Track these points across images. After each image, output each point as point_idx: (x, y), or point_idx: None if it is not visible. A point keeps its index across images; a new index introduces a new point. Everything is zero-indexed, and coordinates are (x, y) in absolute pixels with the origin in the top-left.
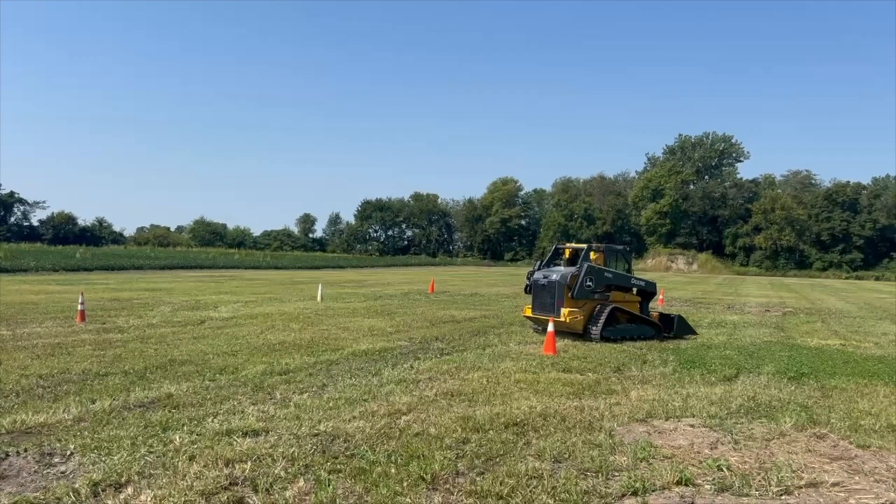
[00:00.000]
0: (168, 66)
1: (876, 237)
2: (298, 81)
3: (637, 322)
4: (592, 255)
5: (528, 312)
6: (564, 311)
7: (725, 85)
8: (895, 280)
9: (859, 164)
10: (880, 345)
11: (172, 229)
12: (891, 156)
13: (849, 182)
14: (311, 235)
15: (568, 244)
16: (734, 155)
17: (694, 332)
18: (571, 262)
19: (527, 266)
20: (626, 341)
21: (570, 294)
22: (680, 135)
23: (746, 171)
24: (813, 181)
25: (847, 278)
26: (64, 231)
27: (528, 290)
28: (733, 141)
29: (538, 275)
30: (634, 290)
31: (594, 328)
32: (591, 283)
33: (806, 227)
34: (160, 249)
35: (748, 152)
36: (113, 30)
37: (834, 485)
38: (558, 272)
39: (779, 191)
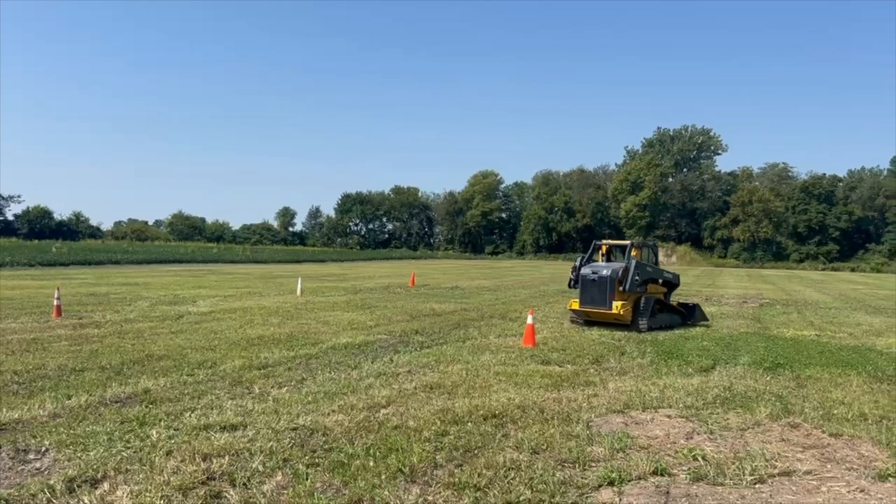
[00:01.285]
0: (145, 60)
1: (851, 229)
2: (277, 74)
3: (669, 311)
4: (634, 252)
5: (576, 306)
6: (617, 304)
7: (704, 78)
8: (870, 271)
9: (835, 157)
10: (854, 335)
11: (150, 223)
12: (866, 148)
13: (825, 175)
14: (290, 229)
15: (605, 241)
16: (712, 148)
17: (707, 319)
18: (607, 257)
19: (508, 258)
20: (662, 330)
21: (620, 288)
22: (658, 128)
23: (724, 163)
24: (790, 174)
25: (823, 269)
26: (40, 225)
27: (572, 284)
28: (712, 134)
29: (586, 270)
30: (661, 281)
31: (643, 320)
32: (638, 278)
33: (783, 219)
34: (138, 244)
35: (726, 145)
36: (87, 21)
37: (807, 473)
38: (608, 267)
39: (756, 183)
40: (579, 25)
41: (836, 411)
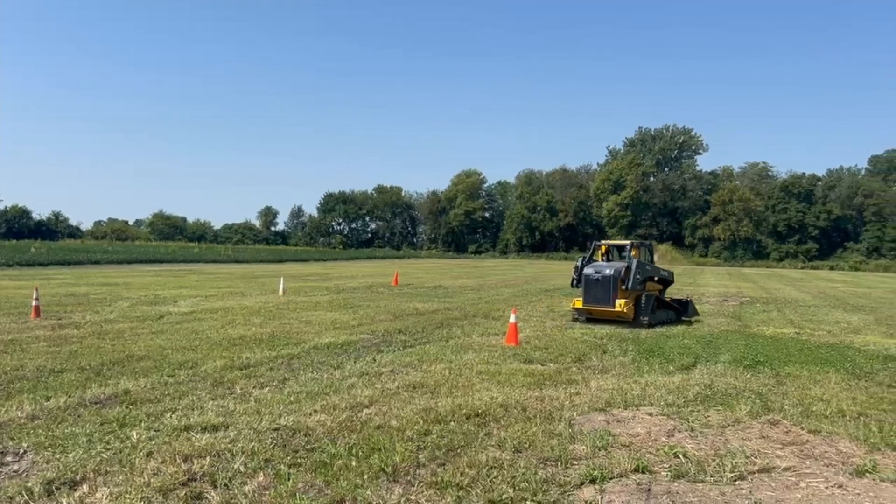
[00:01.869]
0: (125, 57)
1: (830, 228)
2: (259, 73)
3: (665, 307)
4: (633, 252)
5: (579, 304)
6: (620, 302)
7: (685, 78)
8: (848, 270)
9: (814, 157)
10: (833, 333)
11: (131, 223)
12: (845, 148)
13: (804, 174)
14: (272, 228)
15: (604, 241)
16: (693, 147)
17: (698, 314)
18: (606, 257)
19: (491, 258)
20: (661, 326)
21: (623, 286)
22: (640, 127)
23: (705, 163)
24: (770, 173)
25: (803, 268)
26: (18, 225)
27: (574, 284)
28: (693, 134)
29: (589, 270)
30: (657, 279)
31: (645, 317)
32: (639, 276)
33: (763, 218)
34: (118, 244)
35: (707, 145)
36: (65, 19)
37: (786, 469)
38: (610, 267)
39: (737, 182)
40: (562, 26)
41: (814, 408)
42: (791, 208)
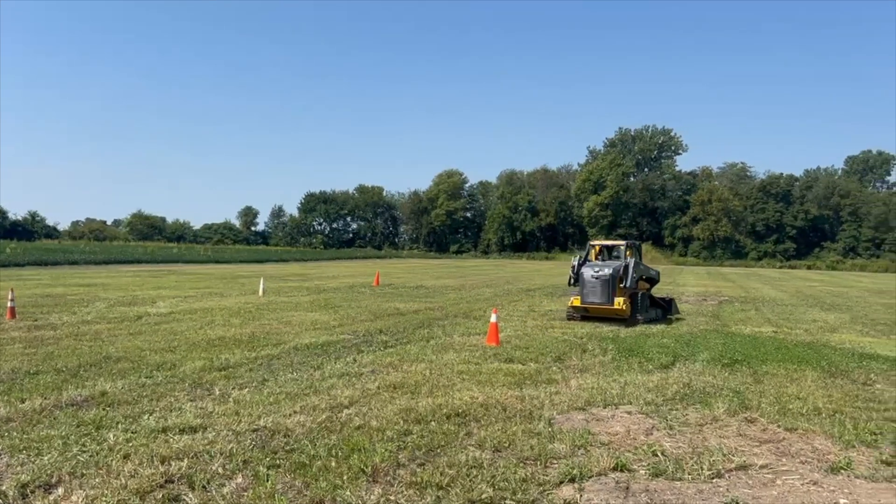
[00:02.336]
0: (103, 57)
1: (807, 227)
2: (238, 73)
3: (654, 305)
4: (628, 252)
5: (577, 303)
6: (619, 300)
7: (665, 79)
8: (825, 269)
9: (792, 157)
10: (810, 331)
11: (109, 223)
12: (821, 148)
13: (782, 174)
14: (253, 229)
15: (598, 241)
16: (673, 148)
17: (679, 312)
18: (600, 257)
19: (473, 257)
20: (652, 323)
21: (621, 285)
22: (620, 128)
23: (685, 163)
24: (748, 173)
25: (781, 267)
26: None
27: (571, 283)
28: (672, 134)
29: (587, 269)
30: (645, 277)
31: (640, 315)
32: (636, 275)
33: (742, 217)
34: (96, 244)
35: (686, 145)
36: (38, 18)
37: (763, 467)
38: (608, 266)
39: (716, 183)
40: (543, 26)
41: (791, 406)
42: (769, 208)
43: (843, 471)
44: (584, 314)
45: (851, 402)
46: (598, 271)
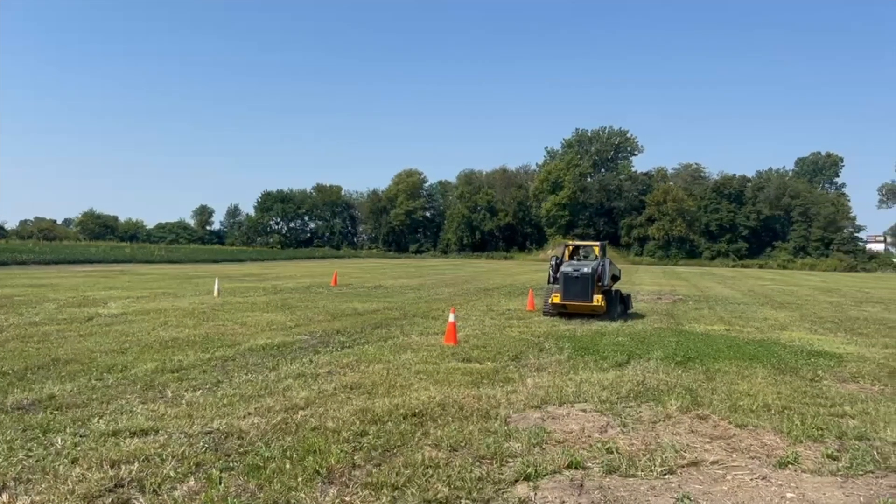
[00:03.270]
0: (50, 53)
1: (759, 227)
2: (194, 70)
3: (621, 302)
4: (597, 251)
5: (557, 300)
6: (597, 297)
7: (621, 80)
8: (777, 268)
9: (744, 158)
10: (761, 329)
11: (59, 222)
12: (773, 150)
13: (735, 175)
14: (208, 228)
15: (572, 242)
16: (629, 148)
17: (632, 307)
18: (571, 256)
19: (432, 257)
20: (622, 318)
21: (599, 283)
22: (577, 129)
23: (640, 164)
24: (702, 174)
25: (734, 266)
26: None
27: (552, 281)
28: (628, 135)
29: (567, 269)
30: (612, 275)
31: (615, 310)
32: (611, 274)
33: (696, 217)
34: (45, 243)
35: (642, 146)
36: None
37: (713, 463)
38: (587, 266)
39: (671, 183)
40: (500, 27)
41: (742, 403)
42: (722, 208)
43: (790, 465)
44: (563, 311)
45: (800, 399)
46: (578, 270)
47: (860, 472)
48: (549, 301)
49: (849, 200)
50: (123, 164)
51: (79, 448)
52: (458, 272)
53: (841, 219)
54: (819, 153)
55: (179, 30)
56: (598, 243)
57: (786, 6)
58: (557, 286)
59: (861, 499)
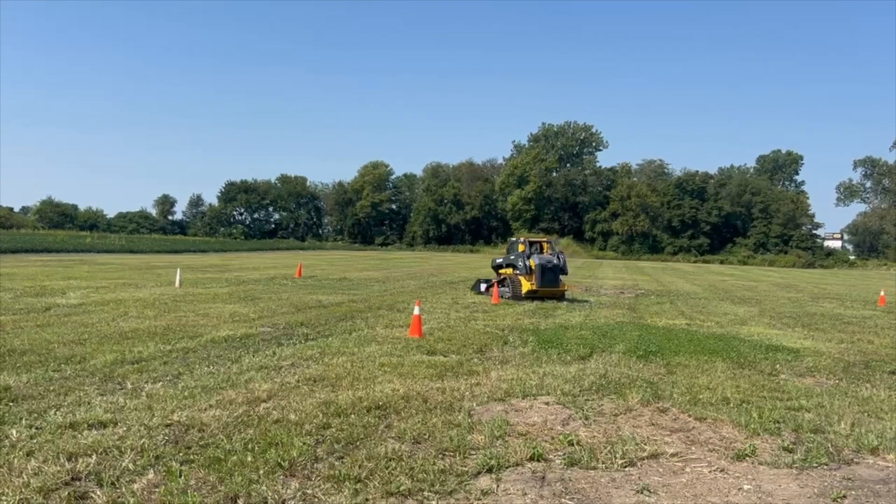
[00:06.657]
0: (9, 37)
1: (721, 223)
2: (159, 58)
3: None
4: (547, 247)
5: (531, 287)
6: (563, 283)
7: (587, 76)
8: (737, 263)
9: (707, 155)
10: (721, 324)
11: (16, 210)
12: (734, 147)
13: (697, 172)
14: (170, 218)
15: (527, 237)
16: (594, 144)
17: None
18: (527, 250)
19: (398, 250)
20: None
21: (562, 272)
22: (543, 123)
23: (605, 159)
24: (665, 170)
25: (695, 262)
26: None
27: (527, 271)
28: (593, 131)
29: (540, 261)
30: None
31: (567, 293)
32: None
33: (659, 213)
34: (1, 231)
35: (607, 142)
36: None
37: (673, 455)
38: (555, 258)
39: (634, 179)
40: (469, 21)
41: (701, 396)
42: (685, 204)
43: (747, 458)
44: (534, 295)
45: (758, 392)
46: (549, 261)
47: (815, 465)
48: (524, 288)
49: (808, 198)
50: (83, 152)
51: (34, 441)
52: (423, 265)
53: (800, 216)
54: (780, 151)
55: (140, 17)
56: (546, 238)
57: (751, 6)
58: (525, 274)
59: (815, 490)
